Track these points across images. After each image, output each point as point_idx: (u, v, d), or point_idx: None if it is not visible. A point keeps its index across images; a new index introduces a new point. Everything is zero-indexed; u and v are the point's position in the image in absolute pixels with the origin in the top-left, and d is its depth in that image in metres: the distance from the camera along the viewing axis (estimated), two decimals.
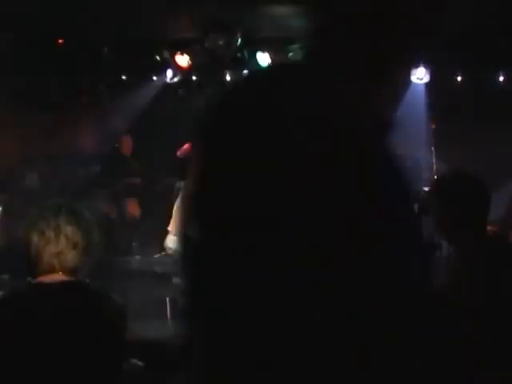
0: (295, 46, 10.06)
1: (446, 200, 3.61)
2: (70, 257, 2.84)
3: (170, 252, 10.90)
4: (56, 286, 2.77)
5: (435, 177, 9.68)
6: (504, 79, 10.74)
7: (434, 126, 10.55)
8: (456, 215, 3.56)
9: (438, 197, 3.69)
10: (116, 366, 2.83)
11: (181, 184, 10.23)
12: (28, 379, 2.60)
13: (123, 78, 12.20)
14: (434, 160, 10.02)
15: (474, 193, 3.57)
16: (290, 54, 10.35)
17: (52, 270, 2.81)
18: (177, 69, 11.54)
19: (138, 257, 11.38)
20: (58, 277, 2.80)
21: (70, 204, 2.97)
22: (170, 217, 7.33)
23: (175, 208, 6.76)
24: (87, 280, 2.94)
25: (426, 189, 8.93)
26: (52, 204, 2.96)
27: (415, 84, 10.61)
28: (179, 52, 11.17)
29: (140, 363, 3.26)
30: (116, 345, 2.81)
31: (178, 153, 10.76)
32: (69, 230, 2.84)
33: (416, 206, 5.60)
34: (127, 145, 12.31)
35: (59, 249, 2.81)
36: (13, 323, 2.75)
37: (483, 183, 3.62)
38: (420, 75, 10.43)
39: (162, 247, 11.34)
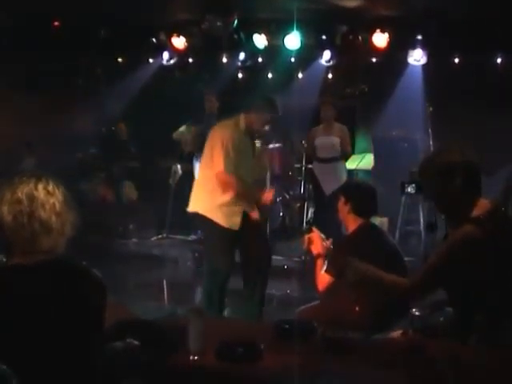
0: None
1: (430, 177, 3.65)
2: (45, 241, 2.80)
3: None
4: (32, 266, 2.75)
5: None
6: (502, 61, 10.71)
7: (431, 109, 10.54)
8: (439, 189, 3.60)
9: (422, 175, 3.73)
10: (94, 341, 2.82)
11: (177, 166, 10.23)
12: (4, 356, 2.60)
13: (119, 60, 12.18)
14: (431, 142, 10.01)
15: (457, 165, 3.58)
16: (287, 37, 10.33)
17: (27, 252, 2.79)
18: (173, 51, 11.52)
19: (134, 240, 11.41)
20: (34, 258, 2.77)
21: (45, 180, 2.85)
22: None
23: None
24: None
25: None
26: (26, 180, 2.83)
27: (412, 66, 10.60)
28: (176, 34, 11.14)
29: (136, 342, 3.27)
30: (94, 320, 2.79)
31: (174, 135, 10.75)
32: (42, 213, 2.81)
33: (413, 186, 5.57)
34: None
35: (33, 234, 2.78)
36: None
37: (468, 155, 3.63)
38: (417, 57, 10.41)
39: (158, 230, 11.36)
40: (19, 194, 2.79)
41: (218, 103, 10.83)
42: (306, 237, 5.25)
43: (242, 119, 6.60)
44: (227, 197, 6.46)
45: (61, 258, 2.84)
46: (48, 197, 2.82)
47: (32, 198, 2.79)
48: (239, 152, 6.45)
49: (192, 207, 6.67)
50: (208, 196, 6.53)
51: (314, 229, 5.29)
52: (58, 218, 2.82)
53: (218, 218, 6.46)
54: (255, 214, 6.59)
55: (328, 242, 5.17)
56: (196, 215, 6.64)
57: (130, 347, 3.23)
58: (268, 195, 6.78)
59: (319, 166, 10.37)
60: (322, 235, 5.20)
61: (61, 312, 2.71)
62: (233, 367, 3.35)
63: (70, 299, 2.74)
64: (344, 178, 10.04)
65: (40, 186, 2.82)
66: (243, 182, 6.50)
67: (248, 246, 6.68)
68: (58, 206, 2.83)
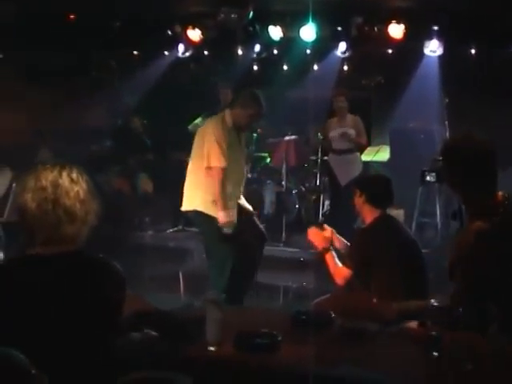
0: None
1: (451, 164, 3.62)
2: (69, 229, 2.80)
3: None
4: (53, 257, 2.75)
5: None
6: None
7: (447, 100, 10.49)
8: (460, 177, 3.57)
9: (445, 162, 3.68)
10: (112, 333, 2.82)
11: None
12: (25, 346, 2.60)
13: (135, 52, 12.19)
14: (447, 134, 9.97)
15: (477, 153, 3.55)
16: (302, 29, 10.30)
17: (50, 241, 2.80)
18: (188, 43, 11.50)
19: (150, 232, 11.43)
20: (56, 248, 2.77)
21: (69, 168, 2.87)
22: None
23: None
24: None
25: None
26: (50, 168, 2.84)
27: (428, 57, 10.54)
28: (191, 26, 11.13)
29: (153, 333, 3.28)
30: (112, 312, 2.78)
31: (190, 127, 10.74)
32: (67, 200, 2.81)
33: (434, 175, 5.53)
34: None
35: (57, 221, 2.77)
36: (7, 293, 2.73)
37: (487, 144, 3.61)
38: (433, 48, 10.35)
39: (174, 222, 11.37)
40: (43, 182, 2.79)
41: (232, 96, 10.82)
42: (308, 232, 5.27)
43: (227, 115, 6.76)
44: (223, 191, 6.56)
45: (81, 250, 2.84)
46: (72, 185, 2.82)
47: (56, 186, 2.79)
48: (229, 147, 6.59)
49: (188, 205, 6.77)
50: (204, 192, 6.62)
51: (313, 227, 5.30)
52: (82, 206, 2.82)
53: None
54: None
55: (328, 231, 5.18)
56: (193, 213, 6.75)
57: (147, 338, 3.23)
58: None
59: (334, 158, 10.38)
60: (322, 228, 5.21)
61: (79, 304, 2.71)
62: (250, 358, 3.36)
63: (89, 291, 2.73)
64: (359, 169, 10.03)
65: (64, 174, 2.82)
66: (229, 178, 6.62)
67: (242, 236, 6.73)
68: (82, 193, 2.84)
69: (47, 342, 2.66)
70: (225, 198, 6.54)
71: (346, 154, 10.20)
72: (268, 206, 11.18)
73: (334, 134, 10.25)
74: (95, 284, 2.76)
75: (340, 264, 5.02)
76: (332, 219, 9.45)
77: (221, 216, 6.51)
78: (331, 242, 5.15)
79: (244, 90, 7.07)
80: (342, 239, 5.33)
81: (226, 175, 6.55)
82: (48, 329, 2.67)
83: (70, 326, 2.69)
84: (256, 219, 7.19)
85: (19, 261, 2.84)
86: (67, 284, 2.72)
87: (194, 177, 6.78)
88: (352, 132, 10.11)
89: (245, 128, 6.99)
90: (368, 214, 5.11)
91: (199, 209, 6.63)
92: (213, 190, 6.50)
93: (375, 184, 5.24)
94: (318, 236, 5.18)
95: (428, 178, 8.30)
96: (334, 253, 5.07)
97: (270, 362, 3.34)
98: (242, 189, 6.93)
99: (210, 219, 6.56)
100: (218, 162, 6.51)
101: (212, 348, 3.40)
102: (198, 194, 6.67)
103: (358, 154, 10.34)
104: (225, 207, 6.52)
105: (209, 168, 6.56)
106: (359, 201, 5.12)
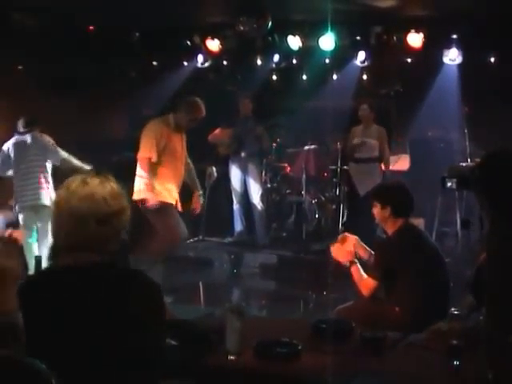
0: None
1: (489, 176, 3.57)
2: (99, 235, 2.78)
3: None
4: (86, 267, 2.75)
5: (468, 160, 9.60)
6: None
7: (466, 109, 10.45)
8: (495, 194, 3.52)
9: (482, 173, 3.63)
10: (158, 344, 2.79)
11: (212, 169, 10.25)
12: (64, 358, 2.60)
13: (154, 63, 12.23)
14: (467, 143, 9.93)
15: None
16: (321, 38, 10.30)
17: (78, 249, 2.80)
18: (208, 54, 11.54)
19: None
20: (87, 256, 2.77)
21: (104, 176, 2.86)
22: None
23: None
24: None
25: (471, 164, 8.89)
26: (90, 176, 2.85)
27: (448, 65, 10.51)
28: (210, 37, 11.16)
29: (173, 342, 3.29)
30: (155, 323, 2.76)
31: (210, 138, 10.77)
32: (101, 209, 2.78)
33: (455, 181, 5.53)
34: None
35: (86, 229, 2.75)
36: (42, 304, 2.72)
37: None
38: (452, 56, 10.32)
39: (195, 233, 11.39)
40: (86, 190, 2.79)
41: (252, 105, 10.84)
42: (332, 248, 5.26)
43: (171, 118, 7.75)
44: (160, 179, 7.55)
45: (110, 261, 2.84)
46: (111, 193, 2.83)
47: (88, 194, 2.79)
48: (166, 144, 7.57)
49: (138, 195, 7.48)
50: (138, 181, 7.55)
51: (338, 240, 5.29)
52: (118, 215, 2.83)
53: (165, 197, 7.53)
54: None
55: (351, 239, 5.17)
56: (143, 201, 7.45)
57: (167, 347, 3.24)
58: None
59: (355, 167, 10.40)
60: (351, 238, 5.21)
61: (114, 318, 2.69)
62: (271, 366, 3.36)
63: (123, 305, 2.71)
64: (378, 180, 10.02)
65: (106, 184, 2.84)
66: (165, 170, 7.59)
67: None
68: (120, 204, 2.85)
69: (76, 354, 2.66)
70: (152, 183, 7.45)
71: (366, 164, 10.22)
72: (287, 216, 11.19)
73: (356, 141, 10.30)
74: (129, 297, 2.73)
75: (365, 275, 5.00)
76: (352, 228, 9.43)
77: (149, 197, 7.42)
78: (355, 254, 5.14)
79: (188, 97, 7.93)
80: (366, 247, 5.31)
81: (159, 168, 7.52)
82: (78, 341, 2.67)
83: (100, 338, 2.67)
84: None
85: (51, 274, 2.86)
86: (99, 298, 2.70)
87: (138, 169, 7.62)
88: (373, 142, 10.15)
89: (184, 130, 7.85)
90: (391, 225, 5.07)
91: (148, 196, 7.45)
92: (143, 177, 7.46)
93: (398, 195, 5.17)
94: (340, 251, 5.16)
95: (449, 184, 8.23)
96: (358, 265, 5.05)
97: (290, 371, 3.34)
98: (178, 187, 7.75)
99: (161, 204, 7.48)
100: (142, 152, 7.53)
101: (232, 357, 3.40)
102: (142, 183, 7.49)
103: (378, 164, 10.34)
104: (153, 190, 7.44)
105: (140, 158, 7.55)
106: (383, 214, 5.04)
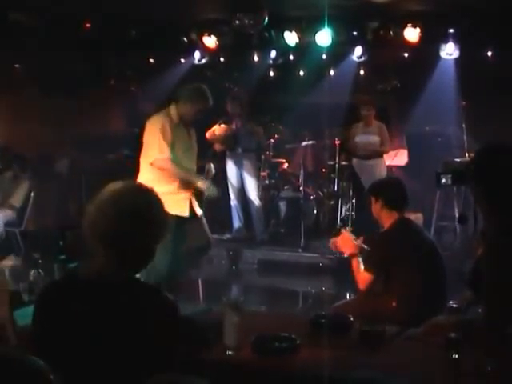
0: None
1: (485, 172, 3.55)
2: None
3: None
4: (103, 284, 2.76)
5: (466, 154, 9.61)
6: None
7: (463, 103, 10.47)
8: (492, 187, 3.50)
9: (477, 167, 3.61)
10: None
11: (210, 166, 10.23)
12: (79, 366, 2.62)
13: (151, 60, 12.21)
14: (465, 137, 9.94)
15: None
16: (318, 34, 10.28)
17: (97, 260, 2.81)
18: (204, 50, 11.52)
19: None
20: (101, 268, 2.79)
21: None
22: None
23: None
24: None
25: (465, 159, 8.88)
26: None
27: (445, 60, 10.50)
28: (207, 33, 11.14)
29: None
30: (168, 341, 2.80)
31: (207, 135, 10.75)
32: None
33: (450, 177, 5.58)
34: None
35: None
36: (60, 312, 2.76)
37: None
38: (449, 51, 10.30)
39: None
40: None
41: (241, 106, 10.71)
42: (332, 240, 5.28)
43: (172, 110, 6.82)
44: (170, 185, 6.66)
45: (131, 277, 2.86)
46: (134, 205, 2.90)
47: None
48: (174, 140, 6.70)
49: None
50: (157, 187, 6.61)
51: (344, 230, 5.31)
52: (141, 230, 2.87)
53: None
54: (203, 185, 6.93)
55: (359, 241, 5.17)
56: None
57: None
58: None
59: (359, 163, 10.47)
60: (352, 235, 5.21)
61: (124, 330, 2.71)
62: (269, 361, 3.35)
63: (135, 319, 2.72)
64: (384, 174, 10.10)
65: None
66: (181, 168, 6.78)
67: (187, 234, 6.90)
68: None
69: (87, 366, 2.68)
70: (187, 174, 6.80)
71: (371, 160, 10.34)
72: (286, 212, 11.18)
73: (358, 139, 10.38)
74: (145, 315, 2.74)
75: (362, 269, 5.02)
76: (359, 224, 9.44)
77: (200, 184, 6.83)
78: (360, 249, 5.15)
79: (190, 85, 7.06)
80: (359, 243, 5.32)
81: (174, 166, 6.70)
82: (87, 352, 2.68)
83: (109, 350, 2.68)
84: (204, 222, 7.22)
85: (66, 285, 2.88)
86: (116, 312, 2.72)
87: (141, 172, 6.92)
88: (376, 139, 10.25)
89: (191, 123, 7.01)
90: (386, 219, 5.12)
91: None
92: (159, 183, 6.19)
93: (389, 188, 5.28)
94: (349, 242, 5.18)
95: (444, 181, 8.22)
96: (360, 258, 5.08)
97: (289, 366, 3.34)
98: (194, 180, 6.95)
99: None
100: (156, 154, 6.67)
101: (230, 352, 3.40)
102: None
103: (383, 159, 10.46)
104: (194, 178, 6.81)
105: (150, 161, 6.74)
106: (376, 207, 5.14)
